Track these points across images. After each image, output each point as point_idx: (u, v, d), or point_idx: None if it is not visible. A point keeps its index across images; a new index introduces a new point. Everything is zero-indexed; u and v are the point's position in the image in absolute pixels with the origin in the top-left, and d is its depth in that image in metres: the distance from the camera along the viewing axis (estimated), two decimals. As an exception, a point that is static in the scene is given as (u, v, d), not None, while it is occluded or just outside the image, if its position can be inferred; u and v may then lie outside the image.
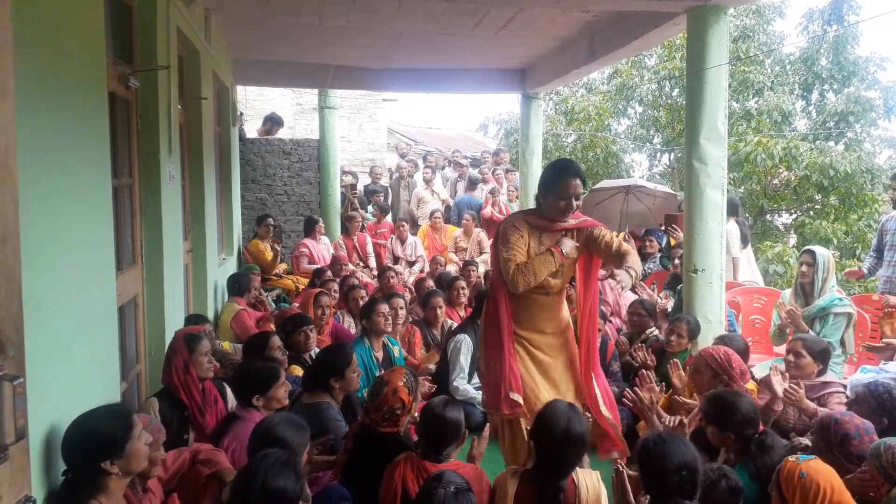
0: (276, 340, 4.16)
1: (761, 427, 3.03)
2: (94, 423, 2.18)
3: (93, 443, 2.15)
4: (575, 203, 3.26)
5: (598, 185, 8.85)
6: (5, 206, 1.55)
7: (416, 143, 17.75)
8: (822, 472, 2.42)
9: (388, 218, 9.67)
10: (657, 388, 3.69)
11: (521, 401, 3.29)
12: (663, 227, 7.04)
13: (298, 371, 4.22)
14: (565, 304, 3.57)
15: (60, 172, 2.35)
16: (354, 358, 3.64)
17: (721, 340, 4.14)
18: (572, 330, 3.56)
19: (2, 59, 1.54)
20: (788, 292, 4.95)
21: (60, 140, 2.36)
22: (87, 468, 2.16)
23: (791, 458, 2.50)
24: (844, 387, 3.79)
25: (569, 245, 3.31)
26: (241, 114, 9.70)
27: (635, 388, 3.57)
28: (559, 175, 3.27)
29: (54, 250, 2.25)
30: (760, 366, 4.77)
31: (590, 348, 3.50)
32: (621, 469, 2.59)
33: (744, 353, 3.95)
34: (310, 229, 8.29)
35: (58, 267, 2.28)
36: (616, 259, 3.26)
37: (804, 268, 4.74)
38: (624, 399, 3.63)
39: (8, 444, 1.50)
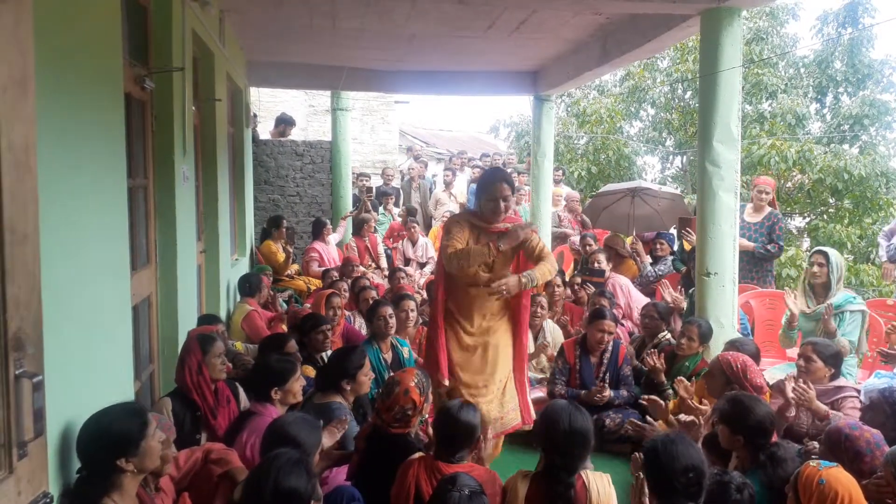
0: (293, 344, 4.19)
1: (774, 438, 3.01)
2: (110, 421, 2.19)
3: (108, 440, 2.16)
4: (503, 205, 3.63)
5: (602, 189, 8.82)
6: (26, 204, 1.56)
7: (427, 144, 17.78)
8: (842, 481, 2.40)
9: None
10: (664, 404, 3.73)
11: (446, 384, 3.70)
12: (675, 229, 7.01)
13: (311, 372, 4.24)
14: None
15: (77, 172, 2.37)
16: (367, 361, 3.65)
17: (732, 345, 4.11)
18: (507, 319, 3.87)
19: (23, 58, 1.56)
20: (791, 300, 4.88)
21: (77, 140, 2.39)
22: (102, 466, 2.17)
23: (812, 464, 2.49)
24: (858, 391, 3.76)
25: (504, 243, 3.64)
26: (255, 115, 9.75)
27: (633, 420, 3.72)
28: (489, 180, 3.71)
29: (71, 249, 2.27)
30: (772, 369, 4.74)
31: (521, 343, 3.88)
32: (641, 477, 2.59)
33: (754, 358, 3.93)
34: (318, 232, 8.30)
35: (74, 266, 2.30)
36: (535, 262, 3.66)
37: (815, 268, 4.69)
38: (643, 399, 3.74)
39: (27, 441, 1.51)
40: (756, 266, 6.37)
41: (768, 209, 6.42)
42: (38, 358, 1.60)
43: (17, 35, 1.53)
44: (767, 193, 6.41)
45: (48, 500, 1.64)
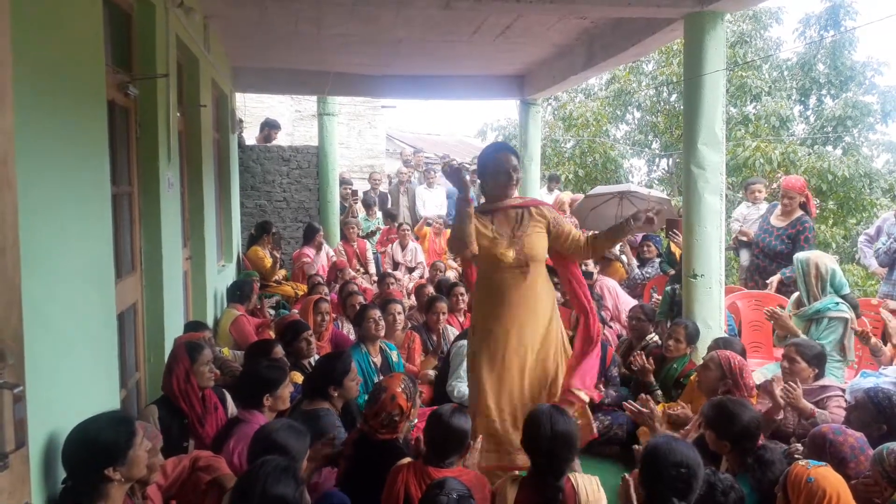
0: (280, 350, 4.17)
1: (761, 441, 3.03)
2: (97, 431, 2.17)
3: (95, 450, 2.14)
4: (515, 175, 3.36)
5: (592, 191, 8.86)
6: (5, 215, 1.55)
7: (414, 149, 17.79)
8: (830, 479, 2.42)
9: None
10: (654, 403, 3.72)
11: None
12: (663, 231, 7.04)
13: (299, 378, 4.22)
14: (543, 291, 3.42)
15: (59, 180, 2.35)
16: (353, 366, 3.64)
17: (718, 344, 4.14)
18: (553, 322, 3.45)
19: (1, 68, 1.55)
20: (795, 297, 4.92)
21: (59, 148, 2.36)
22: (88, 475, 2.15)
23: (801, 463, 2.51)
24: (843, 391, 3.79)
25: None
26: (241, 120, 9.71)
27: (631, 401, 3.67)
28: (494, 153, 3.47)
29: (54, 258, 2.25)
30: (760, 370, 4.77)
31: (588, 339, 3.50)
32: (628, 478, 2.59)
33: (741, 356, 3.96)
34: (310, 238, 8.26)
35: (57, 274, 2.27)
36: (589, 248, 3.43)
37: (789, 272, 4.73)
38: (626, 406, 3.68)
39: (8, 452, 1.49)
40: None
41: (799, 213, 5.95)
42: (18, 369, 1.58)
43: (-4, 43, 1.51)
44: (792, 198, 5.92)
45: (31, 512, 1.63)
